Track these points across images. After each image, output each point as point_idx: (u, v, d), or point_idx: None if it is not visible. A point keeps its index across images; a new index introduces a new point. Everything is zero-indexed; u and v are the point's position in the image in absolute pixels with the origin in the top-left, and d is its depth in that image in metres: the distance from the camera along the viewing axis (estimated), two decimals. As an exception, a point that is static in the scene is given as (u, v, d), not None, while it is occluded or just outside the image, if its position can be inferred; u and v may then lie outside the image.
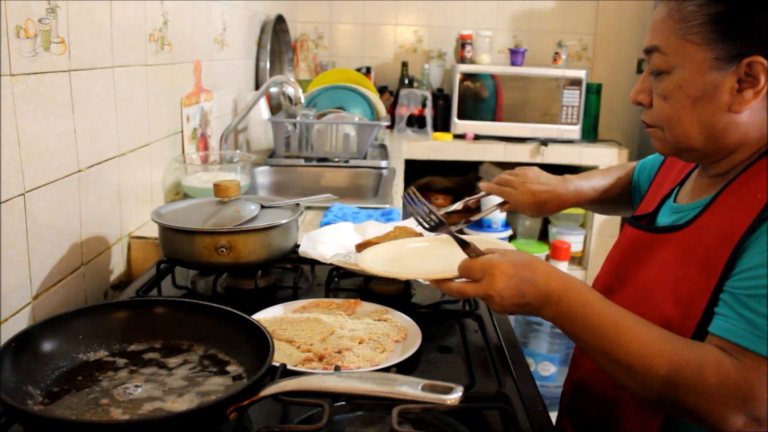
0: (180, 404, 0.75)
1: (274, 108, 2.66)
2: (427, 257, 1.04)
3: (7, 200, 0.93)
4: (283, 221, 1.18)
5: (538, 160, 3.14)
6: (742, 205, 0.82)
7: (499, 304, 0.82)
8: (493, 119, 3.25)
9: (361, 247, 1.27)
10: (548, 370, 2.54)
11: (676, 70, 0.85)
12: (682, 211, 0.93)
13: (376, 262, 1.00)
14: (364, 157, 2.22)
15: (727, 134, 0.85)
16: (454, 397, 0.63)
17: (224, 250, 1.11)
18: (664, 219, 0.98)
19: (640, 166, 1.20)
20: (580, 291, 0.82)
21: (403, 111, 3.22)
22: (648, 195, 1.10)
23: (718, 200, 0.86)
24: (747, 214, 0.79)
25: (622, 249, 1.02)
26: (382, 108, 2.43)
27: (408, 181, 3.34)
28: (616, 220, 3.16)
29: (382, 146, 2.53)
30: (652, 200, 1.06)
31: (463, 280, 0.85)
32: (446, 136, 3.24)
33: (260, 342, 0.81)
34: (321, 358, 0.91)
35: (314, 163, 2.19)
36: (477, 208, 3.15)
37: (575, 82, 3.17)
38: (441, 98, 3.38)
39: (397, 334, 0.99)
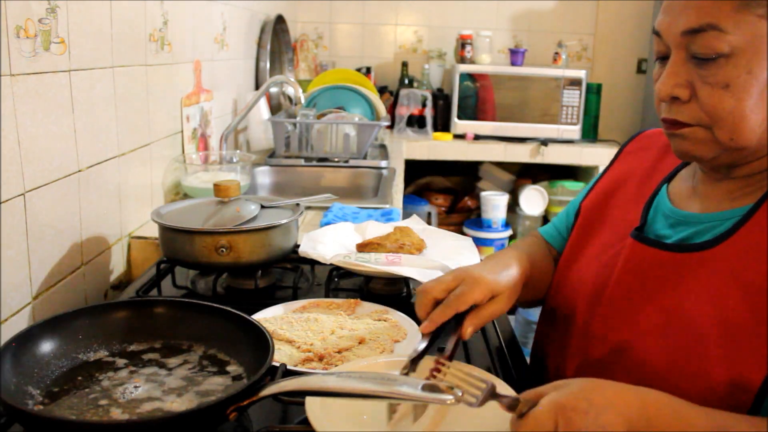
0: (180, 404, 0.75)
1: (274, 108, 2.66)
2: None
3: (7, 200, 0.93)
4: (283, 221, 1.18)
5: (538, 160, 3.14)
6: None
7: None
8: (485, 119, 3.26)
9: (361, 247, 1.27)
10: (548, 370, 2.54)
11: (740, 53, 0.71)
12: (701, 223, 0.79)
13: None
14: (364, 157, 2.22)
15: None
16: (454, 397, 0.62)
17: (224, 250, 1.11)
18: (665, 230, 0.84)
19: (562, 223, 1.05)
20: (663, 401, 0.67)
21: (403, 111, 3.22)
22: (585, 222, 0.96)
23: (763, 209, 0.73)
24: None
25: (633, 271, 0.83)
26: (382, 108, 2.43)
27: (408, 181, 3.34)
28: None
29: (382, 146, 2.53)
30: (605, 222, 0.93)
31: None
32: (446, 136, 3.24)
33: (260, 342, 0.81)
34: (321, 358, 0.91)
35: (314, 163, 2.19)
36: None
37: (575, 82, 3.17)
38: (441, 98, 3.38)
39: (397, 334, 0.99)
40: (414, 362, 0.79)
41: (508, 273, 0.89)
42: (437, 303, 0.85)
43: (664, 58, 0.79)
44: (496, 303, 0.86)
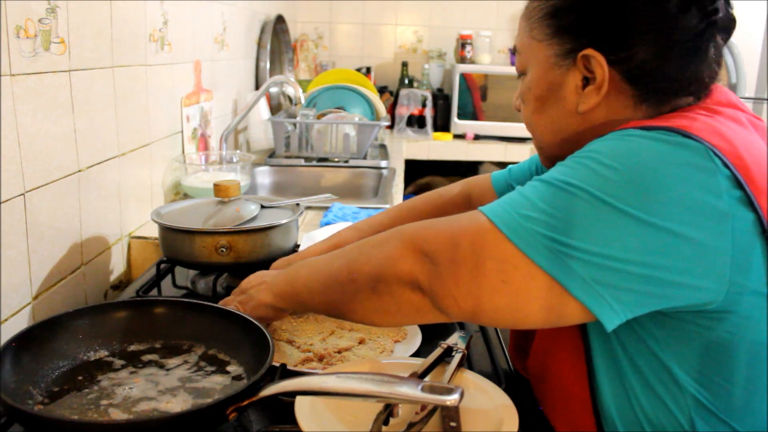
0: (179, 404, 0.75)
1: (274, 108, 2.66)
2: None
3: (7, 200, 0.93)
4: (283, 221, 1.18)
5: (538, 160, 3.14)
6: None
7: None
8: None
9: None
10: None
11: (528, 71, 0.82)
12: None
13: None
14: (364, 157, 2.22)
15: (586, 136, 0.75)
16: (454, 398, 0.62)
17: (224, 250, 1.11)
18: None
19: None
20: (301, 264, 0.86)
21: (403, 111, 3.22)
22: None
23: None
24: None
25: None
26: (382, 108, 2.43)
27: (408, 181, 3.34)
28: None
29: (382, 146, 2.53)
30: None
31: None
32: (446, 136, 3.24)
33: (260, 342, 0.81)
34: (321, 358, 0.91)
35: (314, 163, 2.19)
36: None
37: (575, 82, 3.17)
38: (441, 98, 3.38)
39: (397, 334, 0.99)
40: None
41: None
42: None
43: None
44: None
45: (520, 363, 0.94)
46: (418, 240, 0.70)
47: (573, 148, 0.73)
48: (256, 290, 0.90)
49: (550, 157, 0.84)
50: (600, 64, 0.74)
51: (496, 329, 1.07)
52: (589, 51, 0.74)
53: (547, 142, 0.83)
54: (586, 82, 0.76)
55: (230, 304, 0.93)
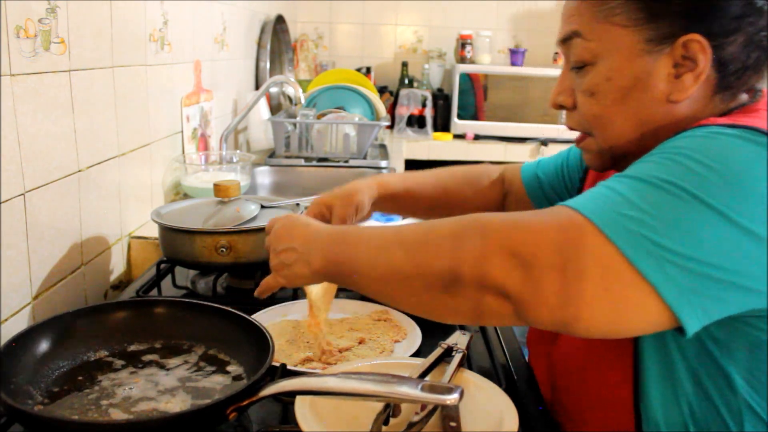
0: (179, 404, 0.75)
1: (274, 108, 2.66)
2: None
3: (7, 200, 0.93)
4: (283, 221, 1.18)
5: (538, 160, 3.14)
6: None
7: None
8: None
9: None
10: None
11: (602, 60, 0.74)
12: None
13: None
14: (364, 157, 2.22)
15: (667, 130, 0.72)
16: (454, 397, 0.62)
17: (224, 250, 1.11)
18: None
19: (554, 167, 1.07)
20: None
21: (403, 111, 3.22)
22: None
23: None
24: None
25: None
26: (382, 108, 2.43)
27: (408, 181, 3.34)
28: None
29: (382, 146, 2.53)
30: None
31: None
32: (446, 136, 3.24)
33: (260, 342, 0.81)
34: (321, 359, 0.91)
35: (314, 163, 2.19)
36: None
37: (575, 82, 3.17)
38: (441, 98, 3.38)
39: (397, 334, 0.99)
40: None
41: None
42: None
43: None
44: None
45: (537, 350, 0.93)
46: (509, 241, 0.62)
47: (649, 144, 0.69)
48: (290, 256, 0.78)
49: (619, 155, 0.78)
50: (704, 49, 0.69)
51: (495, 328, 1.07)
52: (693, 36, 0.69)
53: (626, 138, 0.76)
54: (676, 68, 0.71)
55: (271, 283, 0.83)
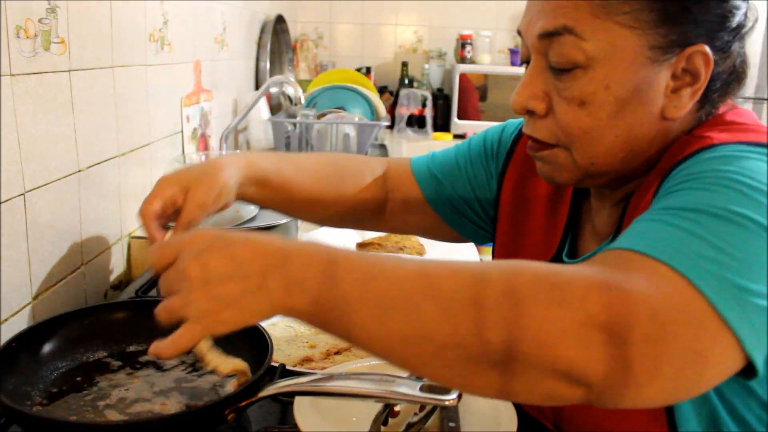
0: (178, 405, 0.75)
1: (274, 108, 2.66)
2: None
3: (7, 200, 0.93)
4: (283, 221, 1.18)
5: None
6: None
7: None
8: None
9: (361, 247, 1.27)
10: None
11: (598, 65, 0.63)
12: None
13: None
14: (364, 157, 2.22)
15: (653, 148, 0.65)
16: (453, 398, 0.62)
17: (224, 250, 1.11)
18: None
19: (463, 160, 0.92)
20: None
21: (403, 111, 3.22)
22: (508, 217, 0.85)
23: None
24: None
25: None
26: (382, 108, 2.43)
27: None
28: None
29: (382, 146, 2.53)
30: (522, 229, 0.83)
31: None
32: (446, 136, 3.24)
33: (259, 342, 0.81)
34: (321, 359, 0.91)
35: (314, 163, 2.18)
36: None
37: (575, 83, 3.18)
38: (441, 98, 3.38)
39: (396, 334, 0.99)
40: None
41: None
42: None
43: (528, 62, 0.71)
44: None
45: None
46: (600, 308, 0.46)
47: (632, 163, 0.64)
48: (233, 289, 0.53)
49: (597, 173, 0.68)
50: (708, 63, 0.62)
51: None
52: (701, 47, 0.62)
53: (612, 155, 0.66)
54: (673, 80, 0.64)
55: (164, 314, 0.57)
